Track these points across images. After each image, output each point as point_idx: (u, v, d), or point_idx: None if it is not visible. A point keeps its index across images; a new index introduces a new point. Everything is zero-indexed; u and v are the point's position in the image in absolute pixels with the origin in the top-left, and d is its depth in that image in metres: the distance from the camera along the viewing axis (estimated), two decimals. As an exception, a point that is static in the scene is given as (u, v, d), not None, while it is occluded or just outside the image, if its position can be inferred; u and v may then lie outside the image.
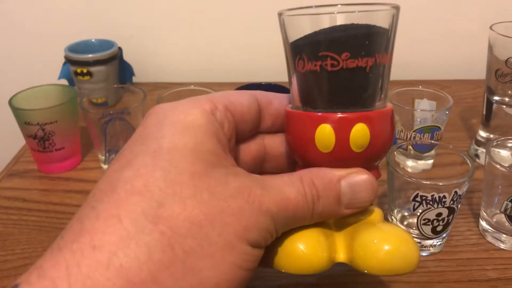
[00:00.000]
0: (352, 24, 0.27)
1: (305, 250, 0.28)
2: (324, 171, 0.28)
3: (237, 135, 0.30)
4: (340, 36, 0.27)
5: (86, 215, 0.24)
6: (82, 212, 0.24)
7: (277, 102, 0.32)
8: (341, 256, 0.29)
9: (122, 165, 0.25)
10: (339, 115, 0.27)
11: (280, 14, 0.29)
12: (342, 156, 0.28)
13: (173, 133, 0.26)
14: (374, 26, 0.28)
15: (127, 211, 0.23)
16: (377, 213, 0.31)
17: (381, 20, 0.28)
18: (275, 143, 0.33)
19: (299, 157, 0.30)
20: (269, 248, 0.28)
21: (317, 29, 0.27)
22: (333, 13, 0.27)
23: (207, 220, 0.24)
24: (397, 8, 0.29)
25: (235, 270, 0.24)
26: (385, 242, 0.28)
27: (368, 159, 0.29)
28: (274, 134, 0.33)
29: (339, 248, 0.30)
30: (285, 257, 0.29)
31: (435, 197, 0.42)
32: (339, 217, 0.30)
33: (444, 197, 0.42)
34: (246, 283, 0.26)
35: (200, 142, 0.26)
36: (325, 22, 0.27)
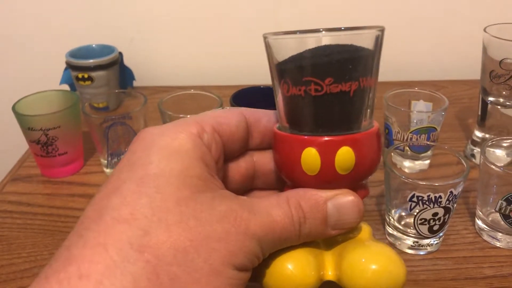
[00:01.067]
0: (337, 47, 0.27)
1: (293, 270, 0.29)
2: (310, 193, 0.29)
3: (226, 154, 0.31)
4: (324, 61, 0.27)
5: (74, 243, 0.24)
6: (70, 239, 0.24)
7: (265, 119, 0.32)
8: (330, 273, 0.30)
9: (110, 192, 0.26)
10: (324, 138, 0.28)
11: (265, 37, 0.29)
12: (328, 179, 0.28)
13: (160, 159, 0.26)
14: (358, 49, 0.28)
15: (114, 239, 0.23)
16: (365, 230, 0.32)
17: (365, 42, 0.28)
18: (264, 160, 0.34)
19: (286, 177, 0.31)
20: (258, 268, 0.29)
21: (301, 50, 0.28)
22: (318, 36, 0.27)
23: (192, 247, 0.24)
24: (381, 30, 0.29)
25: None
26: (372, 262, 0.28)
27: (354, 180, 0.29)
28: (263, 151, 0.33)
29: (328, 266, 0.30)
30: (274, 278, 0.29)
31: (431, 197, 0.43)
32: (328, 237, 0.30)
33: (440, 197, 0.43)
34: None
35: (186, 168, 0.26)
36: (310, 44, 0.27)
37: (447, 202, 0.44)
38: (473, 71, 0.70)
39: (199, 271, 0.24)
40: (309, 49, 0.27)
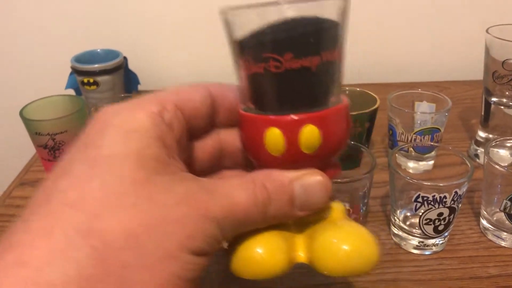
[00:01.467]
0: (298, 20, 0.25)
1: (262, 253, 0.27)
2: (276, 174, 0.27)
3: (191, 132, 0.29)
4: (282, 36, 0.26)
5: (17, 229, 0.22)
6: (15, 226, 0.23)
7: (232, 95, 0.31)
8: (301, 255, 0.29)
9: (59, 175, 0.24)
10: (287, 117, 0.26)
11: (223, 13, 0.27)
12: (293, 159, 0.27)
13: (114, 139, 0.24)
14: (319, 21, 0.26)
15: (59, 224, 0.22)
16: (338, 209, 0.30)
17: (329, 13, 0.26)
18: (231, 138, 0.32)
19: (253, 158, 0.30)
20: (226, 253, 0.28)
21: (262, 25, 0.26)
22: (278, 8, 0.25)
23: (145, 231, 0.23)
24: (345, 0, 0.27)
25: (175, 280, 0.23)
26: (343, 242, 0.27)
27: (322, 158, 0.28)
28: (230, 128, 0.32)
29: (299, 248, 0.29)
30: (243, 262, 0.28)
31: (436, 198, 0.44)
32: (296, 218, 0.29)
33: (445, 197, 0.44)
34: None
35: (143, 148, 0.24)
36: (271, 17, 0.25)
37: (452, 202, 0.44)
38: (476, 72, 0.70)
39: (152, 257, 0.22)
40: (269, 24, 0.25)
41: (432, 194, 0.43)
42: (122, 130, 0.25)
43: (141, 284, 0.22)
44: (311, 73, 0.26)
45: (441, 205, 0.44)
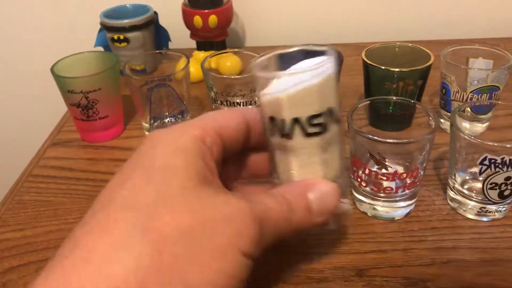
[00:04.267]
0: None
1: None
2: (292, 186, 0.31)
3: (225, 155, 0.32)
4: None
5: (80, 230, 0.25)
6: (80, 225, 0.26)
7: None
8: None
9: (117, 183, 0.27)
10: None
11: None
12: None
13: (165, 154, 0.28)
14: None
15: (119, 224, 0.24)
16: None
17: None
18: (258, 159, 0.36)
19: None
20: None
21: None
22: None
23: (199, 227, 0.25)
24: None
25: (222, 277, 0.25)
26: None
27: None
28: (259, 152, 0.36)
29: None
30: None
31: (506, 160, 0.40)
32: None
33: (515, 160, 0.40)
34: None
35: (190, 163, 0.28)
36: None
37: (522, 165, 0.40)
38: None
39: (203, 252, 0.25)
40: None
41: (502, 156, 0.40)
42: (171, 148, 0.29)
43: (190, 276, 0.24)
44: None
45: (510, 168, 0.40)
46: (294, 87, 0.29)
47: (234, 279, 0.25)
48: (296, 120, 0.30)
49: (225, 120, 0.32)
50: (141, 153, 0.29)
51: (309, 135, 0.30)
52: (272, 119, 0.31)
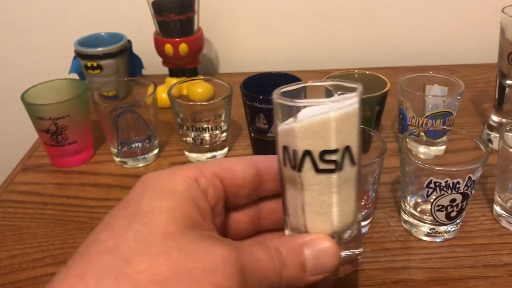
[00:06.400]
0: None
1: None
2: (288, 239, 0.30)
3: (232, 201, 0.32)
4: None
5: (58, 277, 0.24)
6: (64, 267, 0.25)
7: (276, 164, 0.32)
8: None
9: (101, 228, 0.27)
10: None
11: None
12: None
13: (152, 197, 0.27)
14: None
15: (93, 269, 0.24)
16: None
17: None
18: (271, 207, 0.34)
19: None
20: None
21: None
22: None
23: (174, 277, 0.24)
24: None
25: None
26: None
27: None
28: (273, 198, 0.34)
29: None
30: None
31: (449, 183, 0.42)
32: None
33: (458, 183, 0.42)
34: None
35: (176, 206, 0.27)
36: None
37: (465, 188, 0.43)
38: (489, 55, 0.68)
39: None
40: None
41: (445, 180, 0.42)
42: (160, 191, 0.28)
43: None
44: None
45: (454, 191, 0.43)
46: (311, 117, 0.27)
47: None
48: (308, 153, 0.28)
49: (230, 163, 0.31)
50: (129, 196, 0.29)
51: (320, 171, 0.28)
52: (285, 148, 0.29)
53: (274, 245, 0.29)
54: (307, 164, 0.28)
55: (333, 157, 0.28)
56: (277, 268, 0.28)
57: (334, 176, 0.28)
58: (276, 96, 0.29)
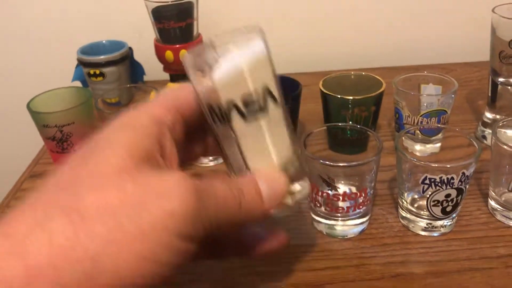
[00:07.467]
0: None
1: None
2: (242, 176, 0.32)
3: (187, 131, 0.32)
4: None
5: (18, 206, 0.25)
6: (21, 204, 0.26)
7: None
8: None
9: (69, 160, 0.27)
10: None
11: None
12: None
13: (113, 131, 0.28)
14: None
15: (45, 203, 0.24)
16: None
17: None
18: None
19: None
20: None
21: None
22: None
23: (124, 207, 0.24)
24: None
25: (140, 261, 0.24)
26: None
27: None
28: None
29: None
30: None
31: (443, 179, 0.43)
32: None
33: (452, 178, 0.43)
34: (158, 277, 0.25)
35: (136, 140, 0.27)
36: None
37: (460, 183, 0.44)
38: (482, 53, 0.69)
39: (123, 233, 0.23)
40: None
41: (439, 176, 0.43)
42: (123, 125, 0.28)
43: (103, 257, 0.23)
44: None
45: (448, 187, 0.44)
46: (225, 70, 0.28)
47: (156, 264, 0.24)
48: (231, 103, 0.29)
49: (184, 96, 0.32)
50: (99, 132, 0.29)
51: (248, 118, 0.30)
52: (210, 107, 0.30)
53: (230, 180, 0.30)
54: (235, 115, 0.29)
55: (255, 98, 0.29)
56: (235, 195, 0.28)
57: (262, 121, 0.30)
58: (187, 56, 0.30)
